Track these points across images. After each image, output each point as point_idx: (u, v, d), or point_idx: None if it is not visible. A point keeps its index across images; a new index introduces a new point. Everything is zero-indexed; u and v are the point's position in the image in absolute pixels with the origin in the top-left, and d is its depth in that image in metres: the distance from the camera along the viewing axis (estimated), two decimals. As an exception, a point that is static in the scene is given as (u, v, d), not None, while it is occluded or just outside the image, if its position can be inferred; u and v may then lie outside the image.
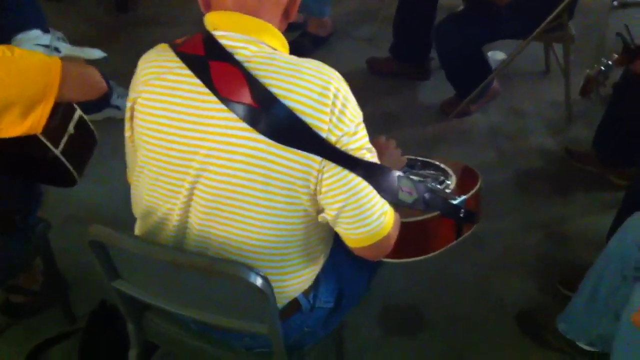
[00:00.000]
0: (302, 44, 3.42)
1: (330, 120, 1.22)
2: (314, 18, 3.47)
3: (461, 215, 1.58)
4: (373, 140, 1.65)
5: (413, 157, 1.81)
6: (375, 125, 3.01)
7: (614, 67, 2.24)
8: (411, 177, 1.64)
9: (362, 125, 1.29)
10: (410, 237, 1.51)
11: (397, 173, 1.37)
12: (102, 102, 2.92)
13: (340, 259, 1.50)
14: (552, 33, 2.88)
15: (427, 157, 1.86)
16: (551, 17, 2.71)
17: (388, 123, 3.09)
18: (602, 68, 2.22)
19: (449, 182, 1.66)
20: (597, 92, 2.30)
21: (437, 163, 1.76)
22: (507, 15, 2.74)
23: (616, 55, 2.23)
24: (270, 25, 1.30)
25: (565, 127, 3.10)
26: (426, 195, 1.45)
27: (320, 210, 1.31)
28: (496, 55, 3.31)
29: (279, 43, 1.31)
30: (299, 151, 1.21)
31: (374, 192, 1.29)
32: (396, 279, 2.34)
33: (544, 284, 2.35)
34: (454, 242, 1.64)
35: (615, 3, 4.05)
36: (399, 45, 3.26)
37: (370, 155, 1.30)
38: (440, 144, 2.99)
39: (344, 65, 3.40)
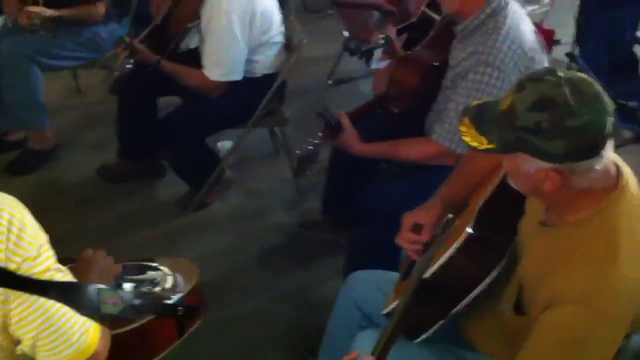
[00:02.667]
0: (24, 161, 3.29)
1: (7, 247, 1.18)
2: (33, 133, 3.36)
3: (180, 313, 1.59)
4: (80, 255, 1.63)
5: (131, 262, 1.81)
6: (112, 232, 3.00)
7: (321, 144, 2.41)
8: (125, 284, 1.63)
9: (46, 247, 1.27)
10: (128, 347, 1.49)
11: (99, 286, 1.35)
12: None
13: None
14: (268, 118, 3.08)
15: (154, 258, 1.86)
16: (262, 105, 2.89)
17: (126, 226, 3.05)
18: (310, 147, 2.38)
19: (166, 282, 1.67)
20: (311, 168, 2.44)
21: (155, 264, 1.77)
22: (222, 106, 2.88)
23: (321, 134, 2.39)
24: None
25: (299, 201, 3.28)
26: (135, 301, 1.45)
27: (17, 342, 1.25)
28: (225, 145, 3.43)
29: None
30: None
31: (71, 312, 1.26)
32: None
33: (296, 356, 2.43)
34: (179, 340, 1.64)
35: (329, 82, 4.47)
36: (127, 147, 3.27)
37: (61, 275, 1.28)
38: (181, 238, 3.02)
39: (74, 175, 3.39)
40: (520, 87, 1.29)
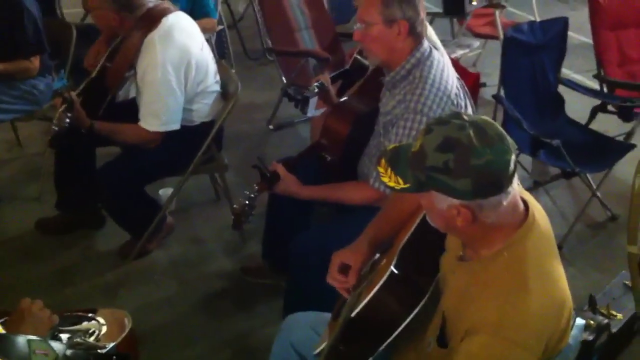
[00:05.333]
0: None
1: None
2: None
3: (113, 361, 1.61)
4: (17, 306, 1.65)
5: (70, 313, 1.82)
6: (53, 284, 2.99)
7: (257, 196, 2.41)
8: (61, 335, 1.64)
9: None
10: (62, 397, 1.49)
11: (28, 337, 1.37)
12: None
13: None
14: (207, 165, 3.12)
15: (97, 309, 1.87)
16: (200, 153, 2.93)
17: (67, 277, 3.04)
18: (247, 202, 2.38)
19: (100, 332, 1.69)
20: (248, 221, 2.45)
21: (91, 315, 1.79)
22: (161, 155, 2.90)
23: (256, 186, 2.42)
24: None
25: (240, 247, 3.31)
26: (68, 352, 1.47)
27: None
28: (167, 192, 3.44)
29: None
30: None
31: (1, 363, 1.28)
32: None
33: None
34: (116, 389, 1.65)
35: (270, 127, 4.55)
36: (65, 198, 3.26)
37: (-9, 328, 1.30)
38: (122, 288, 3.01)
39: (14, 229, 3.36)
40: (428, 130, 1.39)
